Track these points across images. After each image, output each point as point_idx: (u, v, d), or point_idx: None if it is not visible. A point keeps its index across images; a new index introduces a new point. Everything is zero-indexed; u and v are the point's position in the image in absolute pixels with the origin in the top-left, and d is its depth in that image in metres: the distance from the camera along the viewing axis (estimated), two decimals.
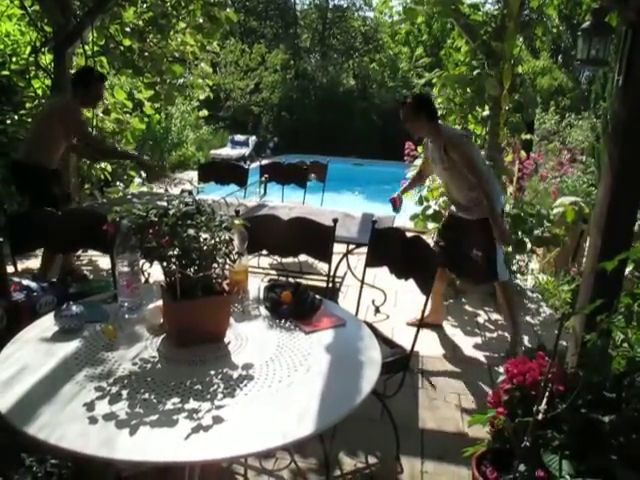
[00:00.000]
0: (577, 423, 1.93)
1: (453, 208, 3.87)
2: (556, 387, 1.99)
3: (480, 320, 4.40)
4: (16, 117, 5.22)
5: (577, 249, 5.26)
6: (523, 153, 5.51)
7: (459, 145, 3.48)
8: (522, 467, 1.92)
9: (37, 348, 1.78)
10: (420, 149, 5.16)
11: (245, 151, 15.27)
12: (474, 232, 3.65)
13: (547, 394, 1.91)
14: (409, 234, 2.72)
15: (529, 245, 4.59)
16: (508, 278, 3.81)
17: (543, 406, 1.88)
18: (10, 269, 2.83)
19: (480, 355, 3.78)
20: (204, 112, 8.10)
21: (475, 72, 4.55)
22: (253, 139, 16.19)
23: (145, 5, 5.51)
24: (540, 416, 1.86)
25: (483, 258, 3.65)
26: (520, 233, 4.46)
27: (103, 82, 4.26)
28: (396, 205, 3.90)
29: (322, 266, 4.57)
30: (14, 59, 5.51)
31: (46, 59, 5.36)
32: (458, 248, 3.76)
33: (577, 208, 5.03)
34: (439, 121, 3.65)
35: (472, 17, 4.66)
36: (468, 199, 3.62)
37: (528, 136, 5.35)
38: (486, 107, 4.75)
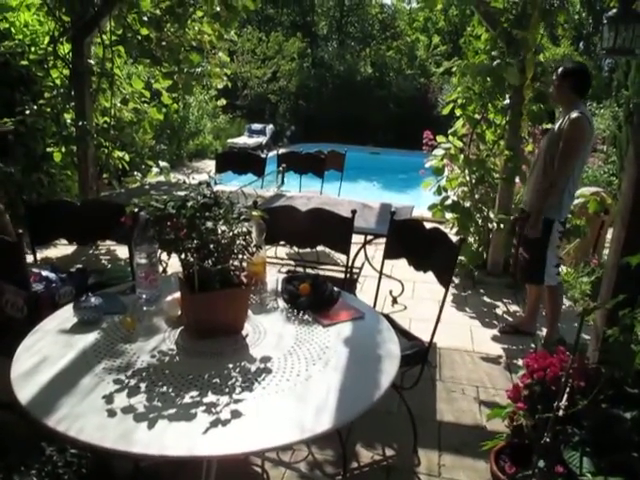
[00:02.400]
0: (598, 419, 1.91)
1: (525, 200, 3.75)
2: (577, 382, 1.96)
3: (499, 312, 4.36)
4: (35, 107, 5.24)
5: (598, 240, 5.19)
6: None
7: (576, 125, 3.28)
8: (541, 463, 1.90)
9: (57, 339, 1.79)
10: (439, 139, 5.10)
11: (262, 140, 15.24)
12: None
13: (568, 390, 1.88)
14: (428, 225, 2.69)
15: None
16: (557, 283, 3.65)
17: (564, 402, 1.85)
18: (29, 259, 2.86)
19: (498, 347, 3.74)
20: (222, 101, 8.11)
21: (495, 61, 4.47)
22: (270, 128, 16.15)
23: None
24: (561, 412, 1.84)
25: (530, 260, 3.58)
26: None
27: None
28: None
29: (339, 256, 4.56)
30: (33, 49, 5.53)
31: (64, 49, 5.38)
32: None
33: (599, 198, 4.95)
34: (581, 100, 3.45)
35: (493, 4, 4.57)
36: (537, 187, 3.49)
37: (549, 125, 5.26)
38: (506, 96, 4.67)
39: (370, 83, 19.15)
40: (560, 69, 3.43)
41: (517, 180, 4.80)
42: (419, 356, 2.44)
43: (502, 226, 4.69)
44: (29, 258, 2.80)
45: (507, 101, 4.66)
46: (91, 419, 1.39)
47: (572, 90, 3.37)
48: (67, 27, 5.16)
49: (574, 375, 1.94)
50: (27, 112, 5.17)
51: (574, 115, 3.29)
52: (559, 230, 3.50)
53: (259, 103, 18.46)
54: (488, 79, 4.57)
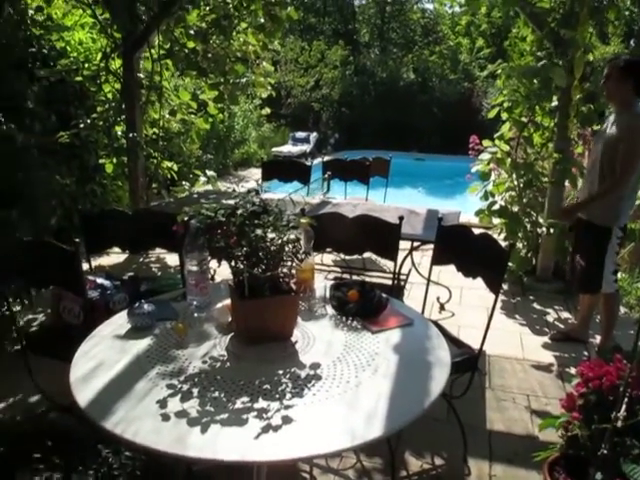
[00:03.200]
0: None
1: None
2: (636, 392, 1.89)
3: (549, 319, 4.25)
4: (88, 121, 5.43)
5: None
6: None
7: (637, 132, 3.11)
8: (599, 476, 1.84)
9: (112, 345, 1.85)
10: (485, 143, 5.03)
11: (306, 148, 15.34)
12: (586, 237, 3.48)
13: (626, 399, 1.82)
14: (476, 231, 2.66)
15: None
16: (614, 291, 3.52)
17: (622, 412, 1.80)
18: (85, 267, 2.95)
19: (549, 355, 3.65)
20: (266, 110, 8.21)
21: (541, 63, 4.38)
22: (314, 135, 16.24)
23: (208, 7, 5.62)
24: (619, 423, 1.78)
25: (588, 267, 3.46)
26: None
27: None
28: None
29: (385, 262, 4.55)
30: (86, 65, 5.74)
31: (116, 64, 5.56)
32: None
33: None
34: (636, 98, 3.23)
35: (538, 4, 4.48)
36: (592, 192, 3.37)
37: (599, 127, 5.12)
38: (554, 98, 4.57)
39: (413, 88, 19.04)
40: (619, 61, 3.20)
41: (567, 183, 4.68)
42: (469, 363, 2.41)
43: (552, 231, 4.58)
44: (84, 266, 2.90)
45: (555, 103, 4.55)
46: (146, 423, 1.42)
47: (633, 87, 3.15)
48: (118, 44, 5.34)
49: (633, 384, 1.88)
50: (81, 126, 5.36)
51: (631, 121, 3.13)
52: (618, 236, 3.34)
53: (303, 111, 18.60)
54: (535, 81, 4.48)
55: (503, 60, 5.04)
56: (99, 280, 2.84)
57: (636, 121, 3.14)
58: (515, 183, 4.76)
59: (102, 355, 1.77)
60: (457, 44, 21.40)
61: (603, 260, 3.36)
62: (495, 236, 4.05)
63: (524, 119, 4.67)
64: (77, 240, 2.35)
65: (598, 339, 3.72)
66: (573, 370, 3.32)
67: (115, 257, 5.17)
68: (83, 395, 1.54)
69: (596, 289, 3.48)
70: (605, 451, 1.80)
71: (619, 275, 4.57)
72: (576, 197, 3.83)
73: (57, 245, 2.40)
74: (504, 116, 4.79)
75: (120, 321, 2.01)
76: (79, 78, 5.58)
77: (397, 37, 23.09)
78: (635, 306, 4.35)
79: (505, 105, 4.75)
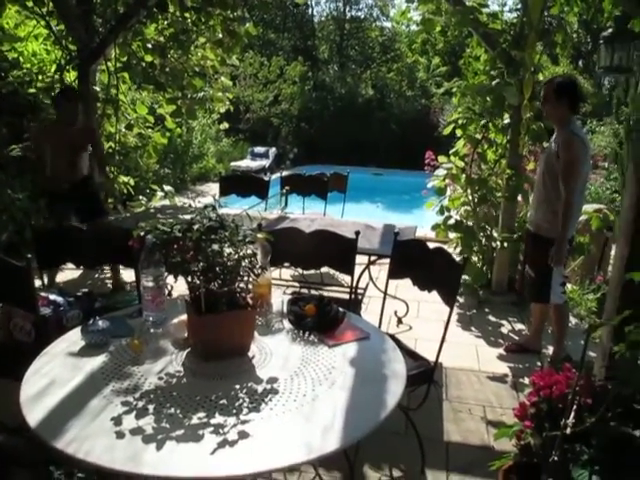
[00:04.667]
0: (607, 437, 1.90)
1: (529, 219, 3.77)
2: (584, 400, 1.95)
3: (504, 330, 4.35)
4: None
5: (602, 257, 5.19)
6: None
7: (570, 148, 3.27)
8: None
9: (65, 362, 1.81)
10: (441, 159, 5.14)
11: (265, 163, 15.33)
12: (534, 249, 3.59)
13: (575, 407, 1.88)
14: (432, 245, 2.71)
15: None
16: (563, 302, 3.63)
17: (571, 419, 1.85)
18: (37, 283, 2.88)
19: (504, 366, 3.73)
20: (224, 125, 8.21)
21: (495, 81, 4.53)
22: (273, 151, 16.26)
23: (166, 22, 5.61)
24: (568, 430, 1.84)
25: (537, 278, 3.57)
26: None
27: (70, 101, 4.35)
28: None
29: (343, 277, 4.57)
30: (40, 77, 5.64)
31: (71, 76, 5.48)
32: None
33: (601, 215, 4.96)
34: (574, 117, 3.45)
35: (491, 26, 4.64)
36: (542, 211, 3.50)
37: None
38: (506, 115, 4.72)
39: (371, 105, 19.29)
40: (553, 84, 3.38)
41: (519, 198, 4.82)
42: (425, 376, 2.45)
43: (505, 245, 4.70)
44: (37, 282, 2.83)
45: (507, 120, 4.70)
46: (100, 441, 1.40)
47: (568, 106, 3.34)
48: (73, 55, 5.27)
49: (581, 392, 1.94)
50: None
51: (566, 137, 3.29)
52: (566, 249, 3.47)
53: (262, 126, 18.60)
54: (488, 99, 4.62)
55: (459, 78, 5.17)
56: (52, 296, 2.77)
57: (570, 136, 3.29)
58: (470, 198, 4.88)
59: (54, 373, 1.73)
60: (414, 62, 21.82)
61: (551, 271, 3.45)
62: (451, 250, 4.15)
63: (478, 136, 4.80)
64: (29, 255, 2.30)
65: (551, 350, 3.82)
66: (527, 381, 3.41)
67: (69, 273, 5.05)
68: (34, 414, 1.50)
69: (546, 300, 3.58)
70: (556, 457, 1.85)
71: (569, 287, 4.73)
72: (527, 211, 3.95)
73: (7, 261, 2.33)
74: (459, 133, 4.92)
75: (74, 338, 1.97)
76: (32, 90, 5.48)
77: (356, 54, 23.40)
78: (585, 317, 4.49)
79: (460, 122, 4.87)
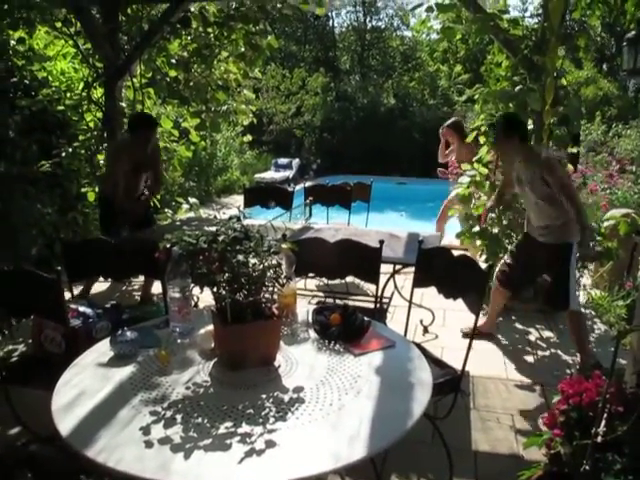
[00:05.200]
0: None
1: (530, 229, 3.81)
2: (615, 408, 1.92)
3: (532, 338, 4.29)
4: (70, 149, 5.45)
5: (631, 262, 5.09)
6: (570, 166, 5.39)
7: (553, 167, 3.46)
8: None
9: (94, 373, 1.84)
10: (464, 166, 5.12)
11: (289, 174, 15.40)
12: (547, 256, 3.60)
13: (606, 415, 1.85)
14: (456, 252, 2.70)
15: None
16: (579, 307, 3.67)
17: (602, 428, 1.82)
18: (67, 295, 2.94)
19: (533, 374, 3.68)
20: (248, 137, 8.26)
21: (517, 87, 4.50)
22: (296, 162, 16.33)
23: (189, 37, 5.71)
24: (599, 438, 1.81)
25: (554, 284, 3.60)
26: None
27: (150, 128, 4.48)
28: (482, 222, 4.22)
29: (368, 286, 4.56)
30: (68, 95, 5.78)
31: (97, 93, 5.60)
32: (527, 270, 3.76)
33: (630, 220, 4.87)
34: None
35: (512, 32, 4.62)
36: (547, 222, 3.58)
37: (574, 149, 5.23)
38: (529, 121, 4.68)
39: (393, 114, 19.28)
40: (499, 125, 3.65)
41: None
42: (452, 384, 2.43)
43: None
44: (67, 295, 2.88)
45: (530, 126, 4.66)
46: (129, 450, 1.42)
47: (519, 140, 3.52)
48: (100, 73, 5.39)
49: (611, 400, 1.91)
50: (63, 155, 5.37)
51: (541, 162, 3.47)
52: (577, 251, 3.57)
53: (285, 138, 18.72)
54: (510, 105, 4.59)
55: (481, 85, 5.15)
56: (81, 308, 2.83)
57: (544, 159, 3.50)
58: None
59: (84, 383, 1.77)
60: (436, 70, 21.80)
61: (568, 276, 3.49)
62: (476, 257, 4.11)
63: None
64: (59, 268, 2.35)
65: (579, 357, 3.76)
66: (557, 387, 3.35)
67: (98, 285, 5.13)
68: (65, 424, 1.53)
69: (565, 305, 3.57)
70: (587, 467, 1.82)
71: (597, 293, 4.66)
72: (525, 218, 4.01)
73: (38, 274, 2.39)
74: (482, 140, 4.89)
75: (103, 349, 2.00)
76: (61, 107, 5.62)
77: (377, 64, 23.45)
78: (615, 324, 4.41)
79: (483, 129, 4.85)
